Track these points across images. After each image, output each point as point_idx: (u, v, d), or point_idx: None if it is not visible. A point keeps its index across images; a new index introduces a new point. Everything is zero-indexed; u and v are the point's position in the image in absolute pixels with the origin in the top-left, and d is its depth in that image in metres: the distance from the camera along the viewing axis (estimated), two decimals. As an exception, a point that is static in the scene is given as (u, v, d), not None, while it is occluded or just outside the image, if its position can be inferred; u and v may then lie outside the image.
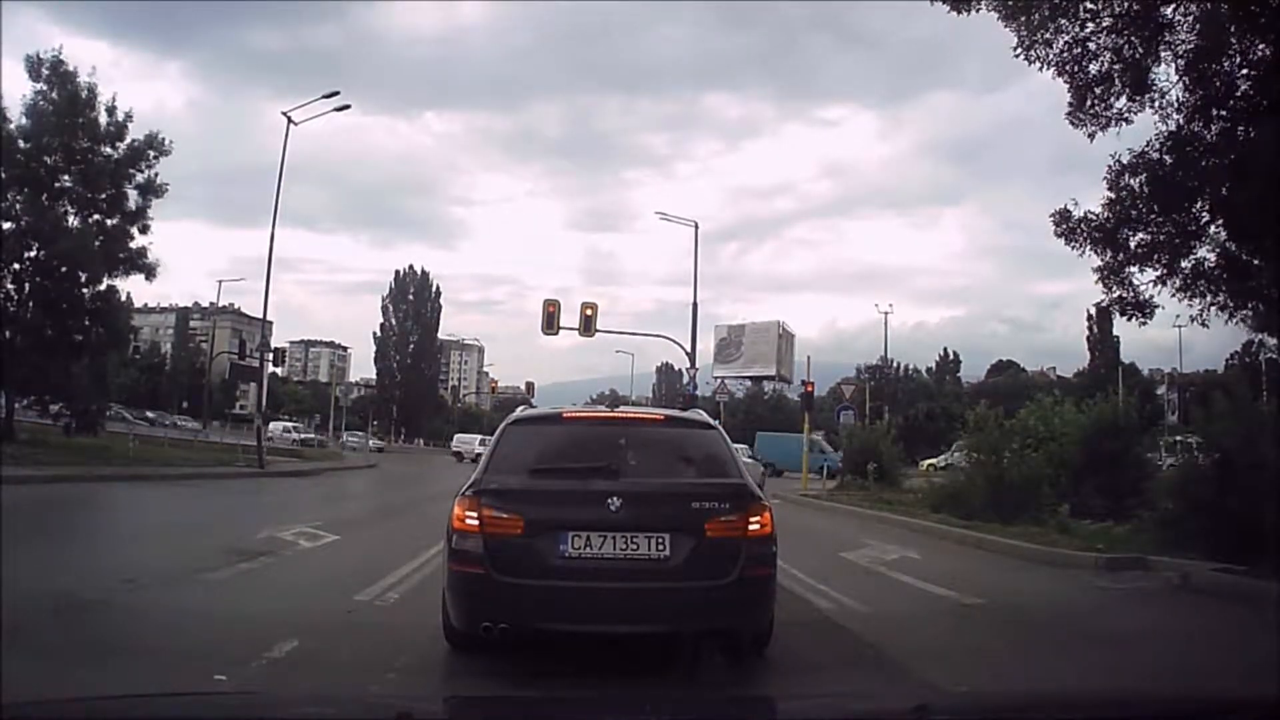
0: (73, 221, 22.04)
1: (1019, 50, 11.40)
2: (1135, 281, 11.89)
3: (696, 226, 36.73)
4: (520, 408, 10.56)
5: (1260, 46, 10.54)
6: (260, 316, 35.81)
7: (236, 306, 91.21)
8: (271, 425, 52.81)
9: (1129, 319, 12.31)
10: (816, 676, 5.67)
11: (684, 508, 5.06)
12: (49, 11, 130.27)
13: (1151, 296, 11.83)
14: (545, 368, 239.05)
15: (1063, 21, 11.20)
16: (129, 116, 22.71)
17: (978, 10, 11.23)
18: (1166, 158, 11.21)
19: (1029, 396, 20.75)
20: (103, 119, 22.35)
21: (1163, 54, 11.04)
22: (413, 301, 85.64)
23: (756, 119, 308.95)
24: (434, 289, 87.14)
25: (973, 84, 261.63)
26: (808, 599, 7.93)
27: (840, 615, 7.43)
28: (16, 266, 21.31)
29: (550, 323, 28.27)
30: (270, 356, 35.41)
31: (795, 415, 47.64)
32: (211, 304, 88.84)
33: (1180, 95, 11.10)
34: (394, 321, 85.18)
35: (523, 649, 5.10)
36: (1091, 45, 11.26)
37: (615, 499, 4.96)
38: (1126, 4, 11.04)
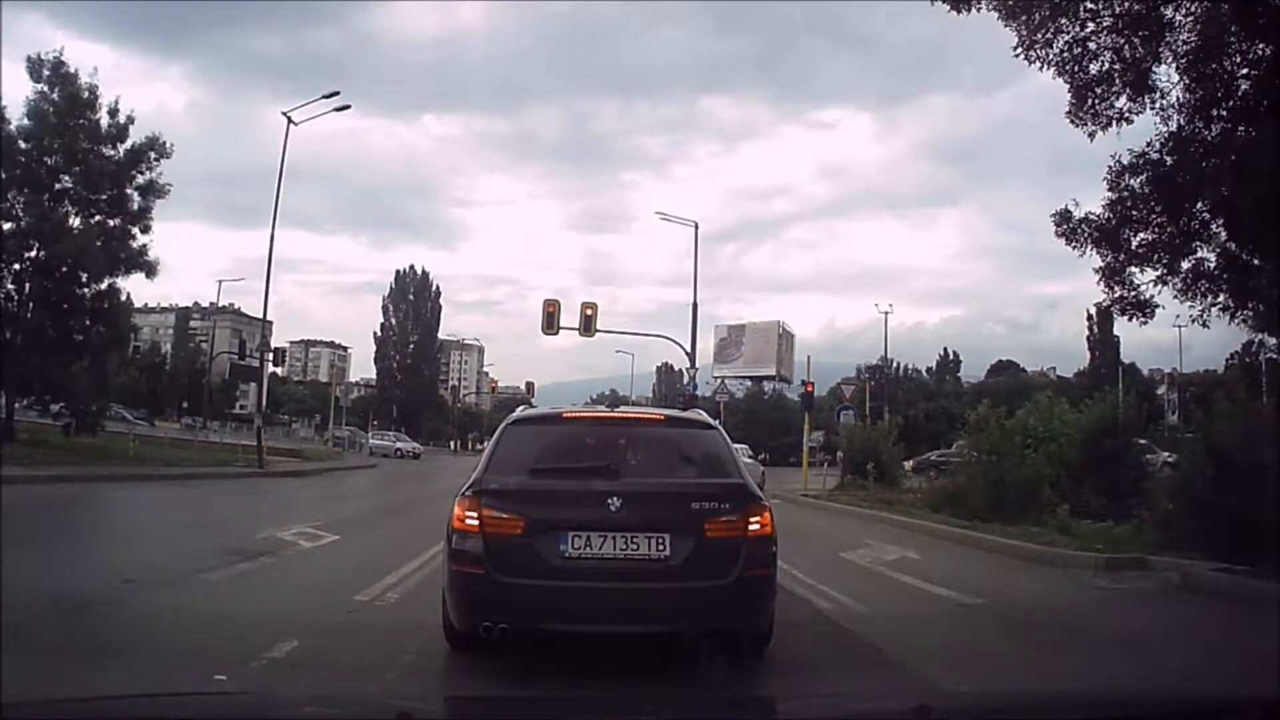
0: (74, 222, 22.04)
1: (1019, 50, 11.42)
2: (1136, 281, 11.92)
3: (696, 226, 36.65)
4: (520, 408, 10.54)
5: (1260, 46, 10.54)
6: (260, 316, 35.84)
7: (236, 306, 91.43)
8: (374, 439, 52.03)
9: (1129, 319, 12.37)
10: (816, 676, 5.67)
11: (684, 508, 5.05)
12: (51, 14, 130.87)
13: (1152, 296, 11.88)
14: (545, 368, 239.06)
15: (1063, 21, 11.21)
16: (131, 120, 22.71)
17: (978, 10, 11.24)
18: (1167, 158, 11.22)
19: (1028, 397, 20.73)
20: (104, 121, 22.35)
21: (1163, 54, 11.04)
22: (413, 301, 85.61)
23: (754, 121, 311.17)
24: (434, 289, 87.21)
25: (969, 86, 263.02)
26: (808, 599, 7.93)
27: (840, 615, 7.42)
28: (17, 267, 21.29)
29: (550, 323, 28.23)
30: (270, 356, 35.37)
31: (795, 415, 47.61)
32: (211, 304, 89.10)
33: (1181, 95, 11.12)
34: (394, 321, 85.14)
35: (523, 649, 5.10)
36: (1092, 45, 11.28)
37: (615, 499, 4.96)
38: (1127, 4, 11.05)
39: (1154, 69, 11.13)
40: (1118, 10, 11.10)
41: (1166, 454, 12.22)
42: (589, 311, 28.89)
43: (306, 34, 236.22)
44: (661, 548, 4.93)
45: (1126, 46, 11.13)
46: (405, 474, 34.26)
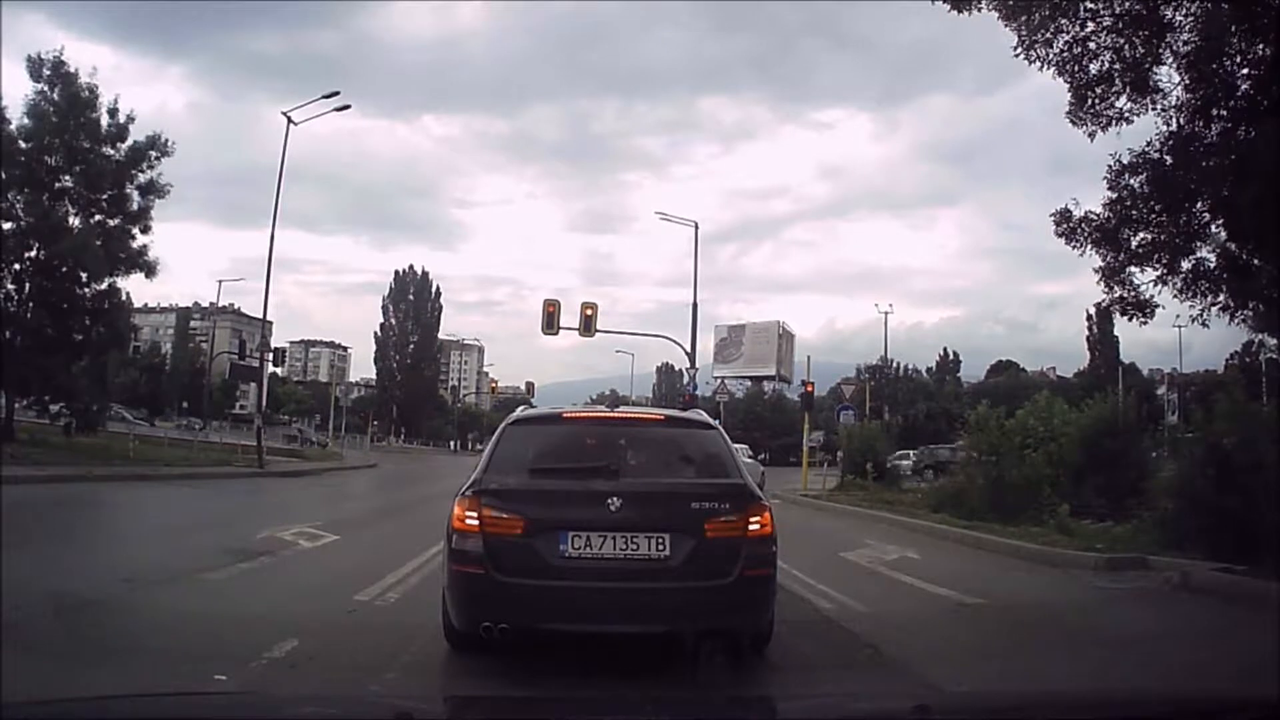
0: (74, 221, 22.05)
1: (1019, 50, 11.41)
2: (1136, 281, 11.91)
3: (696, 226, 36.74)
4: (520, 408, 10.54)
5: (1260, 46, 10.53)
6: (260, 316, 35.86)
7: (236, 306, 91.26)
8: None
9: (1129, 319, 12.34)
10: (816, 676, 5.67)
11: (684, 508, 5.06)
12: (51, 14, 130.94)
13: (1152, 296, 11.85)
14: (545, 368, 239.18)
15: (1063, 21, 11.20)
16: (130, 119, 22.76)
17: (978, 10, 11.23)
18: (1167, 158, 11.21)
19: (1028, 397, 20.73)
20: (104, 120, 22.39)
21: (1163, 54, 11.04)
22: (413, 302, 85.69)
23: (753, 122, 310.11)
24: (434, 289, 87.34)
25: (967, 86, 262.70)
26: (808, 599, 7.93)
27: (840, 615, 7.42)
28: (17, 266, 21.32)
29: (550, 323, 28.25)
30: (270, 356, 35.44)
31: (795, 415, 47.61)
32: (211, 304, 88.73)
33: (1181, 95, 11.11)
34: (394, 321, 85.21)
35: (523, 649, 5.10)
36: (1092, 45, 11.27)
37: (615, 499, 4.96)
38: (1127, 4, 11.04)
39: (1154, 69, 11.12)
40: (1118, 10, 11.09)
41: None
42: (589, 312, 28.91)
43: (306, 34, 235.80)
44: (661, 548, 4.93)
45: (1126, 46, 11.12)
46: (404, 474, 34.26)
